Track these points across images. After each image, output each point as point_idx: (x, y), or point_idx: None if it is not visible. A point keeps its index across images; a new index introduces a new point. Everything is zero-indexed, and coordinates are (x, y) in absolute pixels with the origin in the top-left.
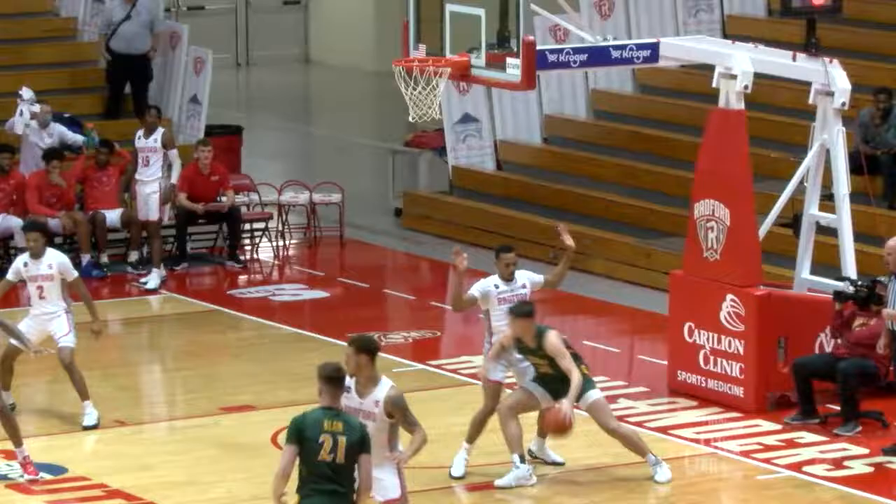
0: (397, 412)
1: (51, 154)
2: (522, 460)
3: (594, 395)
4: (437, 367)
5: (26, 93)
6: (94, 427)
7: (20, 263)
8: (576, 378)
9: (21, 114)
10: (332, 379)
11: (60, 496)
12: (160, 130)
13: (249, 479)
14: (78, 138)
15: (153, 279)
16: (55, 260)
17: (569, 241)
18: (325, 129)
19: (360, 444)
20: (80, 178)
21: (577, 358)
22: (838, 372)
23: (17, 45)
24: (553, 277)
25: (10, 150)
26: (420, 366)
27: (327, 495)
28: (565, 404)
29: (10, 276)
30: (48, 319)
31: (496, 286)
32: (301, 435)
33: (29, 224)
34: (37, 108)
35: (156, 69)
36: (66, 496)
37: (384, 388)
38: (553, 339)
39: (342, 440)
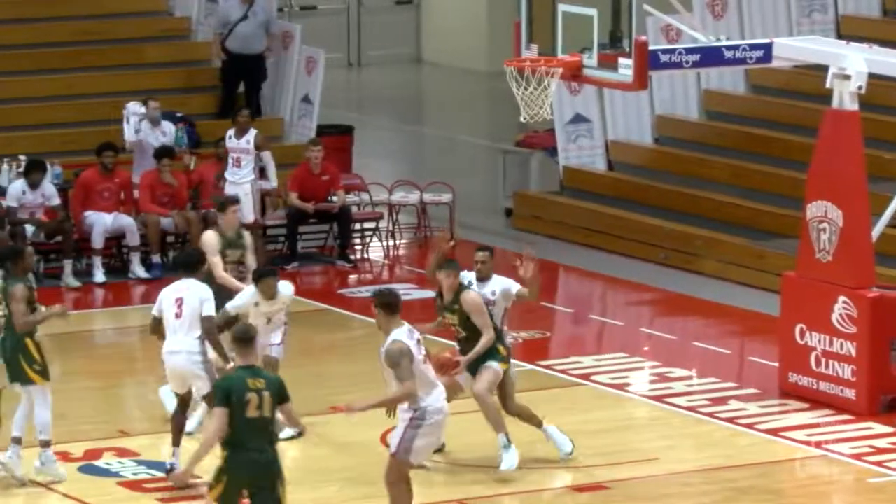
0: (390, 364)
1: (162, 152)
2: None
3: (494, 364)
4: (547, 367)
5: (133, 106)
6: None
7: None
8: (486, 337)
9: (128, 121)
10: (242, 339)
11: (170, 493)
12: (252, 132)
13: (358, 478)
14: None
15: None
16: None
17: (529, 272)
18: (436, 129)
19: (279, 396)
20: (196, 178)
21: (499, 336)
22: None
23: (132, 44)
24: (526, 293)
25: (114, 148)
26: (530, 366)
27: (256, 452)
28: (462, 357)
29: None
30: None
31: (469, 282)
32: (229, 396)
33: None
34: (140, 111)
35: (269, 68)
36: (175, 493)
37: (388, 341)
38: (472, 295)
39: (266, 395)
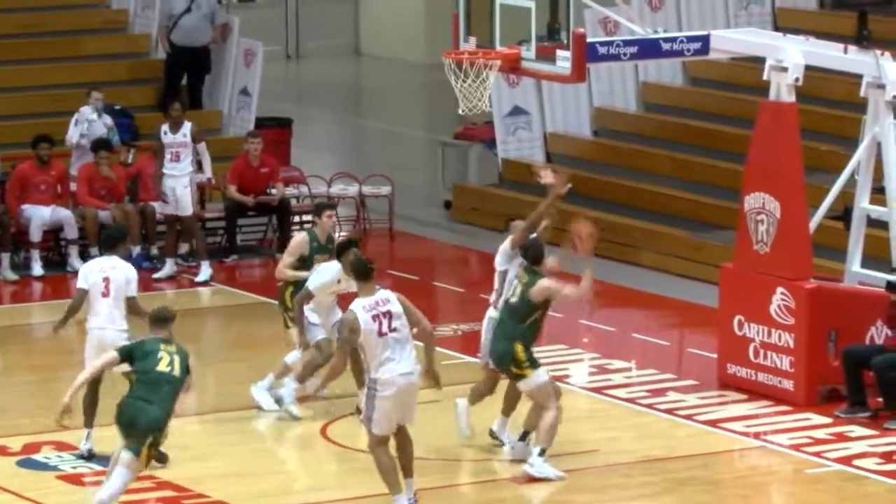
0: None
1: (99, 145)
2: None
3: None
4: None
5: (86, 110)
6: None
7: None
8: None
9: (76, 123)
10: (158, 320)
11: None
12: (188, 124)
13: (300, 471)
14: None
15: (204, 271)
16: None
17: (548, 178)
18: (375, 122)
19: (186, 368)
20: (134, 171)
21: None
22: (872, 366)
23: (70, 36)
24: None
25: (49, 140)
26: (469, 358)
27: (146, 402)
28: None
29: None
30: None
31: None
32: (136, 352)
33: None
34: (93, 117)
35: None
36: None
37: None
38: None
39: (177, 359)
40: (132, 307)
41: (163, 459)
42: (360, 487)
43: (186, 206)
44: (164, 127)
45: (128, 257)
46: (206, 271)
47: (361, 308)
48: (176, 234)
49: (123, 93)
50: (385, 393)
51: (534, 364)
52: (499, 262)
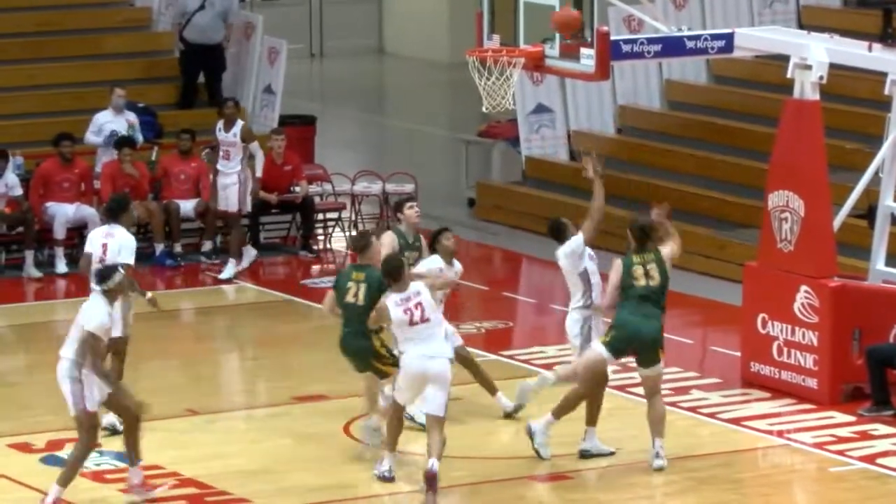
0: None
1: (122, 142)
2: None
3: None
4: (510, 357)
5: (101, 116)
6: None
7: None
8: None
9: (94, 129)
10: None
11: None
12: (239, 124)
13: (322, 469)
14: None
15: (228, 269)
16: None
17: (589, 172)
18: (399, 120)
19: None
20: (161, 171)
21: None
22: (892, 361)
23: (92, 34)
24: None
25: (71, 138)
26: (493, 356)
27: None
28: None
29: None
30: None
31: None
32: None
33: None
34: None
35: (230, 59)
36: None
37: None
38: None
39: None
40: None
41: None
42: (380, 485)
43: (232, 203)
44: (219, 124)
45: (151, 255)
46: (230, 269)
47: (393, 301)
48: (241, 232)
49: (145, 90)
50: (402, 373)
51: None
52: (573, 265)
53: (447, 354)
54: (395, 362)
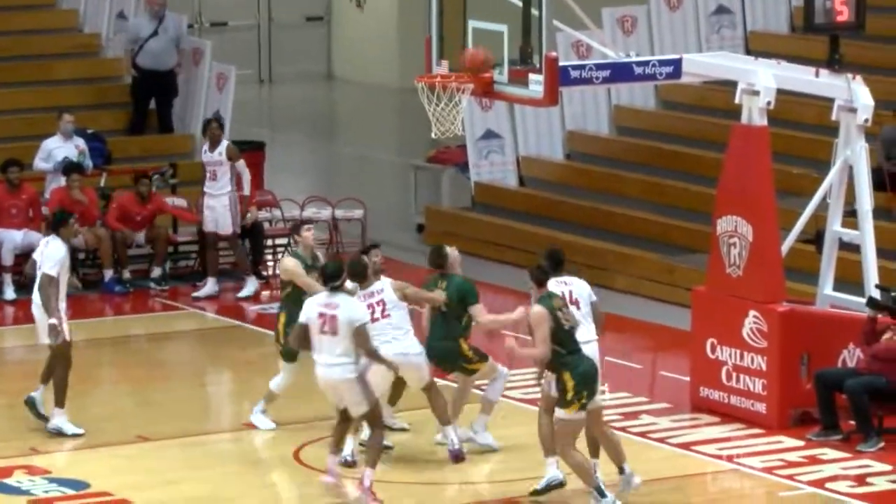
0: None
1: (71, 168)
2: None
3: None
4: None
5: (50, 142)
6: None
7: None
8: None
9: (42, 156)
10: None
11: None
12: (224, 143)
13: (273, 496)
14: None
15: (249, 287)
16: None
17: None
18: (348, 146)
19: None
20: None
21: None
22: (845, 389)
23: (42, 60)
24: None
25: (18, 164)
26: (444, 382)
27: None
28: None
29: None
30: None
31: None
32: None
33: None
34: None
35: (179, 85)
36: None
37: None
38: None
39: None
40: (40, 285)
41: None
42: None
43: (226, 225)
44: (204, 146)
45: (100, 281)
46: (251, 286)
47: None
48: (216, 252)
49: (95, 117)
50: None
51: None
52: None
53: (414, 350)
54: (482, 357)
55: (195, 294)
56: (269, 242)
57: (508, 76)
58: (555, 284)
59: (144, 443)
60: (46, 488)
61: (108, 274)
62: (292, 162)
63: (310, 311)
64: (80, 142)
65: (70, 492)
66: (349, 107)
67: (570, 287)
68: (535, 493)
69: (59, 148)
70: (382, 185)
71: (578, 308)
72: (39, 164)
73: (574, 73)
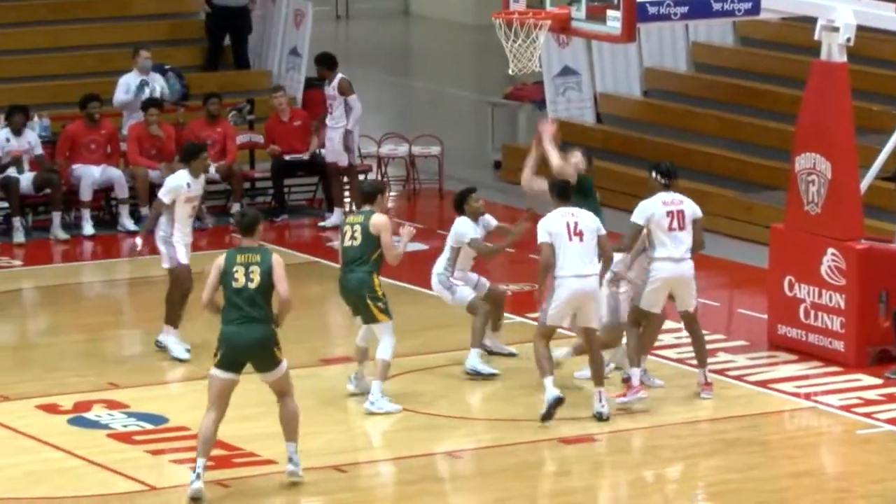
0: None
1: (149, 104)
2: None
3: None
4: (536, 320)
5: (129, 78)
6: None
7: None
8: None
9: (124, 89)
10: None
11: (160, 446)
12: (338, 77)
13: (347, 431)
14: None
15: (334, 217)
16: None
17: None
18: (425, 82)
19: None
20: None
21: None
22: None
23: None
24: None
25: (98, 99)
26: (519, 318)
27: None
28: None
29: None
30: None
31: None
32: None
33: None
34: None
35: (256, 22)
36: (165, 446)
37: None
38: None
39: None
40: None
41: None
42: (407, 446)
43: (341, 157)
44: (327, 80)
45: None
46: (336, 216)
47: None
48: (340, 183)
49: (170, 53)
50: None
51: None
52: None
53: None
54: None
55: (321, 223)
56: (346, 179)
57: (586, 12)
58: (560, 215)
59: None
60: (125, 422)
61: None
62: (369, 98)
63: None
64: (158, 77)
65: (148, 426)
66: (426, 43)
67: (576, 218)
68: (543, 417)
69: (137, 83)
70: (459, 122)
71: (581, 240)
72: (120, 96)
73: (652, 10)
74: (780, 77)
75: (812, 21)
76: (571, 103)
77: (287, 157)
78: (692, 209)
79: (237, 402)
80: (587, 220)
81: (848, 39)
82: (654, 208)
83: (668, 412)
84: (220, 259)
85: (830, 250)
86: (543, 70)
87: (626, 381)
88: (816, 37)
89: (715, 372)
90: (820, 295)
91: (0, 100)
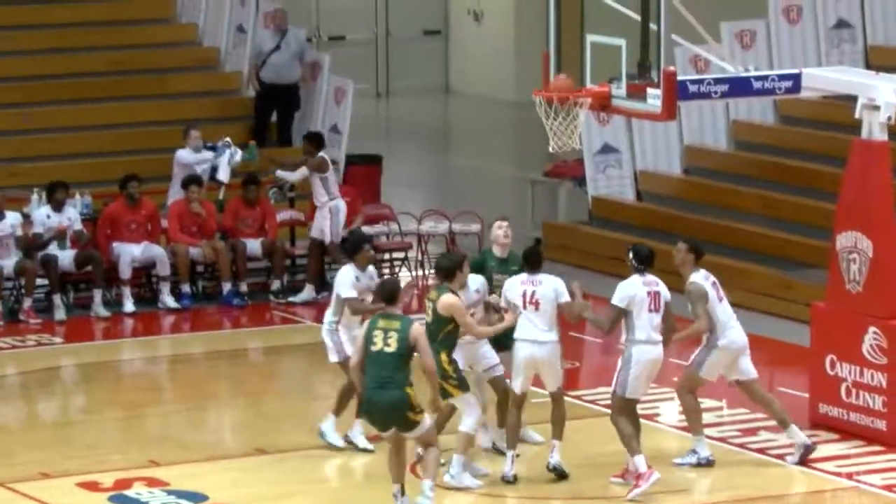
0: None
1: (190, 181)
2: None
3: None
4: (576, 397)
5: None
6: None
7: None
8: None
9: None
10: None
11: None
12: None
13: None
14: (234, 158)
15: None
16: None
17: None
18: (465, 159)
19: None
20: (228, 211)
21: None
22: None
23: (161, 74)
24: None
25: (137, 179)
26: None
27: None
28: None
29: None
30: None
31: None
32: None
33: None
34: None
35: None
36: None
37: None
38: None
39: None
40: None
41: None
42: None
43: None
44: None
45: (218, 294)
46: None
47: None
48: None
49: (215, 130)
50: None
51: None
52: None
53: None
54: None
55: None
56: (387, 256)
57: (626, 90)
58: (520, 283)
59: (262, 455)
60: (165, 500)
61: (227, 287)
62: (409, 175)
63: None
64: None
65: (185, 503)
66: (466, 120)
67: (535, 288)
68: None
69: (194, 161)
70: (499, 199)
71: (537, 309)
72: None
73: (692, 88)
74: (821, 155)
75: (853, 99)
76: (612, 181)
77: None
78: (665, 293)
79: (279, 479)
80: (545, 291)
81: (889, 118)
82: (635, 289)
83: (710, 490)
84: (365, 324)
85: (872, 329)
86: (583, 147)
87: (631, 472)
88: (857, 115)
89: (756, 451)
90: (862, 374)
91: (45, 176)
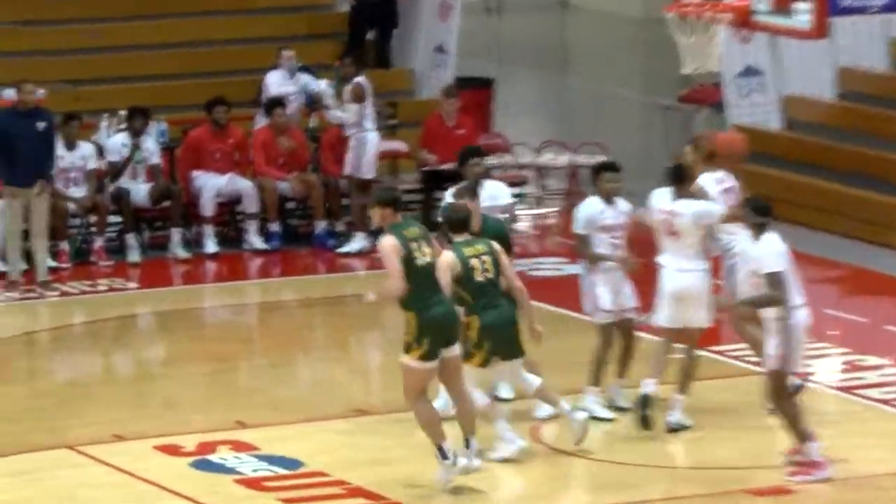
0: None
1: (273, 103)
2: None
3: None
4: (719, 353)
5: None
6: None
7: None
8: None
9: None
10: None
11: (295, 493)
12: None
13: (503, 476)
14: (322, 86)
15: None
16: None
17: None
18: (586, 82)
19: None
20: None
21: None
22: None
23: None
24: None
25: (225, 103)
26: (701, 352)
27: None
28: None
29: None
30: None
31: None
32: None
33: None
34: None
35: (399, 15)
36: (300, 494)
37: None
38: None
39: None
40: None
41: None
42: (567, 496)
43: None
44: None
45: (310, 234)
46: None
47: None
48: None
49: (305, 49)
50: None
51: None
52: None
53: None
54: None
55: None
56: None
57: (771, 4)
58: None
59: (361, 417)
60: (255, 466)
61: (320, 226)
62: (524, 101)
63: None
64: (301, 79)
65: (281, 471)
66: (587, 39)
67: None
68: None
69: (281, 86)
70: (626, 128)
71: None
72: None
73: (845, 1)
74: None
75: None
76: (755, 107)
77: (443, 167)
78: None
79: (378, 443)
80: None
81: None
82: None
83: (872, 460)
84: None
85: None
86: (722, 70)
87: (802, 460)
88: None
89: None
90: None
91: (112, 101)
